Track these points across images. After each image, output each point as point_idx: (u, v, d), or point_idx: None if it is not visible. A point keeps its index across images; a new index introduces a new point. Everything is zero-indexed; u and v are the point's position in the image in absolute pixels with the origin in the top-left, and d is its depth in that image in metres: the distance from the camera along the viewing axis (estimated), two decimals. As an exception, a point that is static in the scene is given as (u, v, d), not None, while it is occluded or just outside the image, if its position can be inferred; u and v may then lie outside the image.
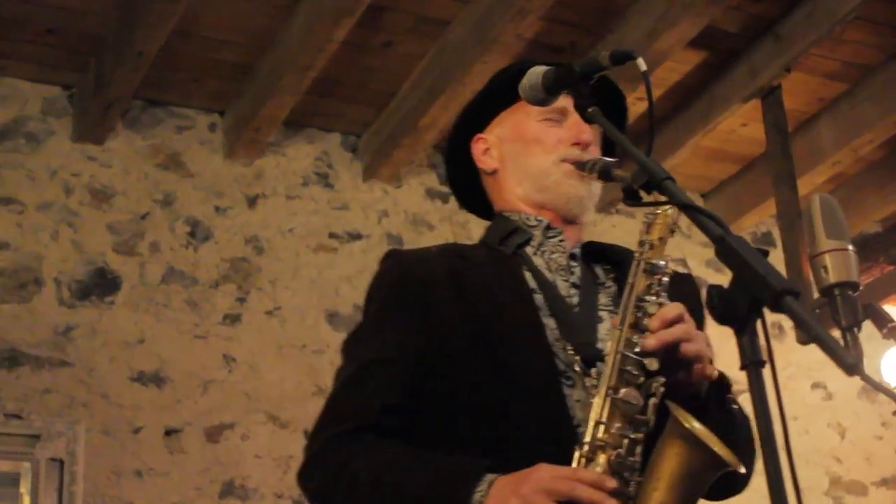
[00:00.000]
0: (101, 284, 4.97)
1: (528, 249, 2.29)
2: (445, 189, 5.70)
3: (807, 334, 1.55)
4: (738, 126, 5.64)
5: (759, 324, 1.68)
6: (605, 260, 2.36)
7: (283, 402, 5.05)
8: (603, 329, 2.21)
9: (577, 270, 2.30)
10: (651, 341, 2.02)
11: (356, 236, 5.47)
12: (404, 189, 5.65)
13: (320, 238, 5.41)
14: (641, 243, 2.14)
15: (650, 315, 2.06)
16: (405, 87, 5.31)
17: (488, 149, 2.40)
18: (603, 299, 2.28)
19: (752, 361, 1.65)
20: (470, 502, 1.94)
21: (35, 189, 4.99)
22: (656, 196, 1.93)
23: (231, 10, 4.82)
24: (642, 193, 1.98)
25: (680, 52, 4.99)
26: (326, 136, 5.61)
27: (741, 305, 1.68)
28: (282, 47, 4.92)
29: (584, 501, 1.90)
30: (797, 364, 5.87)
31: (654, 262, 2.12)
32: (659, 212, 2.14)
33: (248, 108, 5.21)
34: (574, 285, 2.28)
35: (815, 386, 6.11)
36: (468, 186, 2.49)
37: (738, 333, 1.68)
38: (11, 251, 4.87)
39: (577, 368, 2.12)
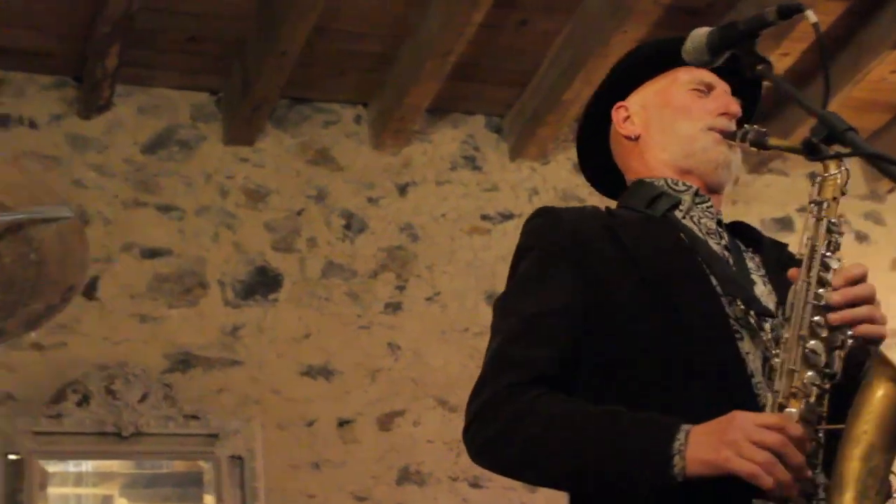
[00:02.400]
0: (263, 283, 5.06)
1: (677, 213, 2.28)
2: (594, 162, 5.68)
3: None
4: (888, 73, 5.50)
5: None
6: (740, 237, 2.36)
7: (449, 386, 5.09)
8: (757, 291, 2.20)
9: (726, 236, 2.30)
10: (836, 297, 2.02)
11: (508, 216, 5.48)
12: (552, 165, 5.64)
13: (473, 220, 5.44)
14: (818, 203, 2.11)
15: (830, 272, 2.06)
16: (545, 64, 5.29)
17: (629, 116, 2.41)
18: (750, 265, 2.28)
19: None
20: (670, 451, 1.91)
21: (192, 194, 5.10)
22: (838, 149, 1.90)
23: (368, 2, 4.86)
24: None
25: (823, 3, 4.88)
26: (470, 119, 5.62)
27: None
28: (421, 35, 4.94)
29: (789, 463, 1.88)
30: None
31: (834, 220, 2.11)
32: (828, 175, 2.11)
33: (391, 97, 5.25)
34: (726, 248, 2.27)
35: None
36: (595, 159, 2.51)
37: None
38: (175, 257, 4.99)
39: (752, 321, 2.12)
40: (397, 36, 5.05)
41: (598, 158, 2.50)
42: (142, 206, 5.02)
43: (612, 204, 2.46)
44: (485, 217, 5.46)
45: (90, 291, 4.84)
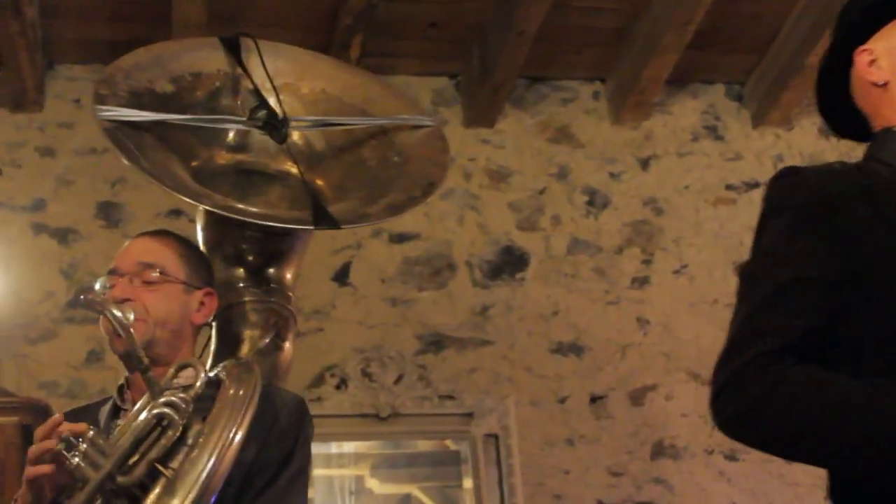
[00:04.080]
0: (510, 262, 5.11)
1: None
2: (841, 125, 5.54)
3: None
4: None
5: None
6: None
7: (701, 358, 5.04)
8: None
9: None
10: None
11: (753, 185, 5.39)
12: (797, 131, 5.52)
13: (717, 191, 5.37)
14: None
15: None
16: (786, 27, 5.18)
17: (874, 60, 2.24)
18: None
19: None
20: None
21: (437, 178, 5.18)
22: None
23: (605, -23, 4.87)
24: None
25: None
26: (710, 88, 5.55)
27: None
28: (658, 6, 4.90)
29: None
30: None
31: None
32: None
33: (629, 71, 5.22)
34: None
35: None
36: (834, 104, 2.38)
37: None
38: (423, 240, 5.08)
39: None
40: (634, 9, 5.03)
41: (836, 103, 2.38)
42: (388, 192, 5.13)
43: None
44: (729, 187, 5.38)
45: (342, 278, 4.98)
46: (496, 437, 4.77)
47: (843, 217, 2.03)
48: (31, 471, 2.21)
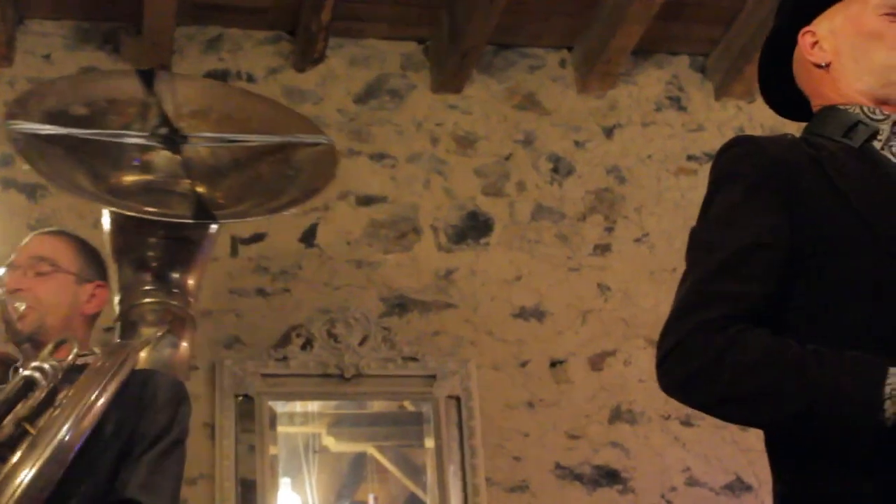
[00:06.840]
0: (474, 227, 5.17)
1: (876, 144, 2.16)
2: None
3: None
4: None
5: None
6: None
7: (659, 325, 5.03)
8: None
9: None
10: None
11: (714, 156, 5.47)
12: (759, 103, 5.56)
13: (679, 161, 5.45)
14: None
15: None
16: (751, 0, 5.25)
17: (817, 42, 2.28)
18: None
19: None
20: (881, 395, 1.82)
21: (404, 142, 5.24)
22: None
23: (573, -53, 4.90)
24: None
25: None
26: (674, 59, 5.62)
27: None
28: (626, -24, 4.96)
29: None
30: None
31: None
32: None
33: (596, 41, 5.28)
34: None
35: None
36: (775, 83, 2.43)
37: None
38: (389, 203, 5.13)
39: None
40: (602, -21, 5.07)
41: (778, 82, 2.41)
42: (356, 155, 5.17)
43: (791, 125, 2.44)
44: (691, 157, 5.46)
45: (309, 239, 5.03)
46: (458, 399, 4.84)
47: (797, 186, 2.06)
48: None
